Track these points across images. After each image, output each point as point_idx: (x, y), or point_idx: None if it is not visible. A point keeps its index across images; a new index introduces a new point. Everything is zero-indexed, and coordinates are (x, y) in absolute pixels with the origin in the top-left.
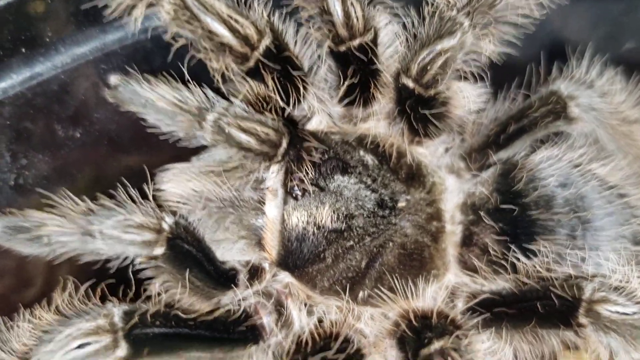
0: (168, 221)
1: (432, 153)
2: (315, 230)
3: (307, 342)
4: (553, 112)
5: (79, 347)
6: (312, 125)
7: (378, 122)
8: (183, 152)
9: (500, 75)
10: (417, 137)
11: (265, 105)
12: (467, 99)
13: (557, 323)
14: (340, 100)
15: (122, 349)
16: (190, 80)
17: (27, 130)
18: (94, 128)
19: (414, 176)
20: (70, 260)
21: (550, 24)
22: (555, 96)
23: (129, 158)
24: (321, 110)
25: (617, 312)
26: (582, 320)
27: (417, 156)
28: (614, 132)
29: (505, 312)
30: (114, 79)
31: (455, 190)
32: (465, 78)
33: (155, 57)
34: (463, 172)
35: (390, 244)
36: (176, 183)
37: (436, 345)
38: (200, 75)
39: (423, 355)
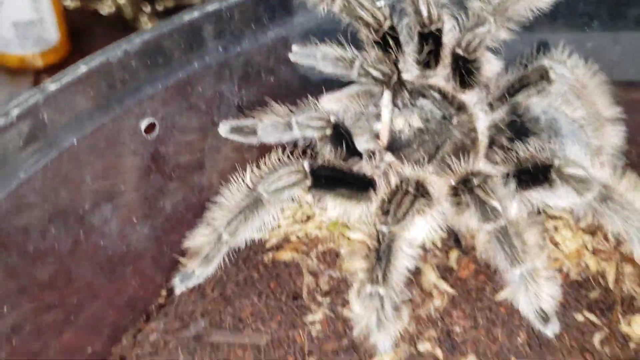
0: (333, 117)
1: (470, 99)
2: (409, 128)
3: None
4: (540, 77)
5: (285, 179)
6: (405, 76)
7: (439, 78)
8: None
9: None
10: (462, 88)
11: (384, 59)
12: (491, 65)
13: (540, 180)
14: (419, 63)
15: (309, 180)
16: (347, 43)
17: (247, 73)
18: (280, 76)
19: (461, 108)
20: None
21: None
22: (541, 67)
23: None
24: (407, 69)
25: (572, 171)
26: (553, 176)
27: (462, 98)
28: (577, 92)
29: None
30: (295, 47)
31: (484, 119)
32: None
33: (317, 35)
34: (488, 112)
35: (448, 140)
36: (330, 102)
37: (475, 181)
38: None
39: (468, 187)
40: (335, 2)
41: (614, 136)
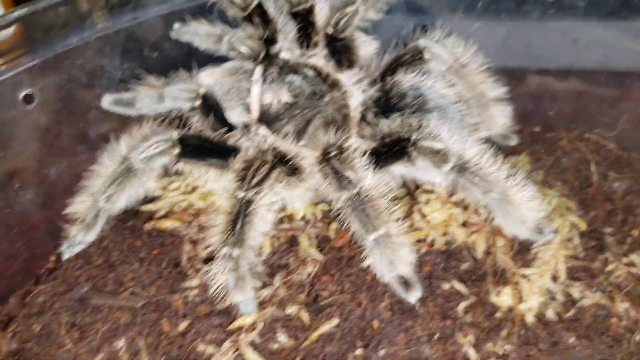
0: (202, 89)
1: (349, 78)
2: (277, 102)
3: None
4: (415, 56)
5: (155, 148)
6: (282, 55)
7: (319, 57)
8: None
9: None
10: (339, 68)
11: (255, 35)
12: (366, 46)
13: (398, 155)
14: (298, 44)
15: (177, 149)
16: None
17: (129, 49)
18: (163, 52)
19: (335, 85)
20: None
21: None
22: (416, 46)
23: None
24: (286, 48)
25: (428, 145)
26: (410, 149)
27: (339, 77)
28: (457, 73)
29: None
30: (176, 25)
31: (359, 97)
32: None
33: (200, 14)
34: (366, 90)
35: (319, 115)
36: (207, 76)
37: (332, 152)
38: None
39: (326, 158)
40: None
41: (500, 115)
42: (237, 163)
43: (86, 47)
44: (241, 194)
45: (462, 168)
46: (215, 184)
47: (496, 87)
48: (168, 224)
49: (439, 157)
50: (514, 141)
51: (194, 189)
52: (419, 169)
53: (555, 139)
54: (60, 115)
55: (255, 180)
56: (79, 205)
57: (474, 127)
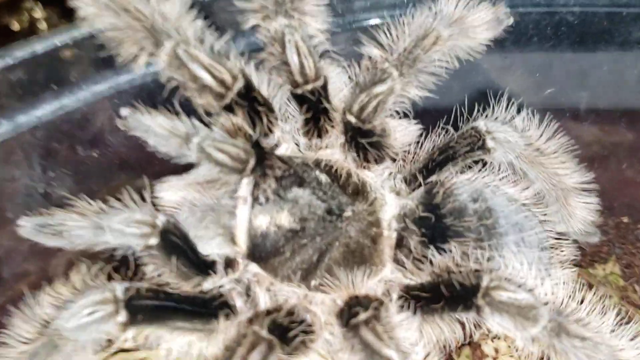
0: (161, 219)
1: (378, 176)
2: (276, 230)
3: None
4: (471, 144)
5: (89, 314)
6: (280, 151)
7: (334, 150)
8: (178, 169)
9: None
10: (364, 162)
11: (239, 133)
12: (401, 133)
13: (460, 305)
14: (303, 132)
15: (122, 316)
16: (181, 112)
17: (54, 150)
18: (107, 149)
19: (359, 192)
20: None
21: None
22: (475, 131)
23: (134, 172)
24: (289, 140)
25: (508, 297)
26: (480, 302)
27: (363, 177)
28: (530, 162)
29: (422, 296)
30: (124, 111)
31: (394, 204)
32: (406, 116)
33: (156, 95)
34: (403, 192)
35: (337, 243)
36: (170, 192)
37: (362, 315)
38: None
39: (352, 324)
40: (159, 55)
41: (584, 209)
42: (216, 340)
43: None
44: None
45: (558, 329)
46: (185, 352)
47: (578, 174)
48: None
49: (524, 315)
50: (596, 238)
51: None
52: (492, 323)
53: None
54: None
55: None
56: None
57: (560, 241)
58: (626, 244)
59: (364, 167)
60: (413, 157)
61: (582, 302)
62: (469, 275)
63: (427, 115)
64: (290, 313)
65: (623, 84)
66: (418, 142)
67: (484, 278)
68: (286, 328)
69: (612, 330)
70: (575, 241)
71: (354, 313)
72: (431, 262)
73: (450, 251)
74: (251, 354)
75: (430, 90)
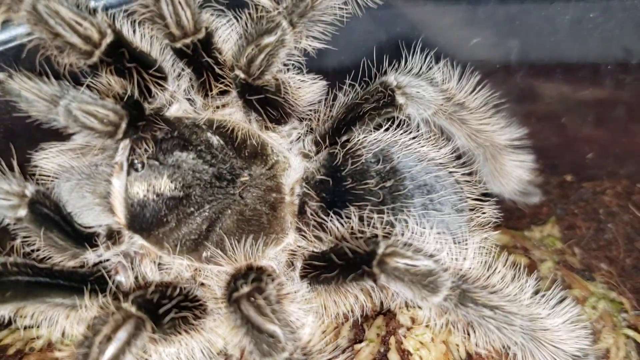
0: (30, 189)
1: (283, 137)
2: (155, 198)
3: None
4: (379, 101)
5: None
6: (171, 112)
7: (233, 109)
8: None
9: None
10: (267, 123)
11: (110, 93)
12: (305, 90)
13: (355, 274)
14: (198, 91)
15: None
16: (46, 73)
17: None
18: None
19: (257, 154)
20: None
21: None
22: (384, 86)
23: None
24: (180, 99)
25: (404, 263)
26: (375, 270)
27: (264, 139)
28: (450, 118)
29: (319, 265)
30: (1, 75)
31: (299, 168)
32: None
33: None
34: (312, 154)
35: (229, 211)
36: (47, 160)
37: (244, 289)
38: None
39: (234, 298)
40: (19, 13)
41: (518, 168)
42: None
43: None
44: None
45: (462, 296)
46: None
47: (509, 130)
48: None
49: (424, 283)
50: (536, 198)
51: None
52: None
53: (595, 192)
54: None
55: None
56: None
57: (480, 202)
58: (568, 204)
59: (267, 129)
60: (323, 117)
61: (498, 268)
62: (364, 243)
63: (337, 72)
64: (167, 287)
65: (555, 33)
66: (326, 100)
67: (380, 245)
68: (158, 304)
69: (532, 297)
70: (512, 203)
71: (236, 287)
72: (330, 230)
73: (349, 217)
74: (117, 332)
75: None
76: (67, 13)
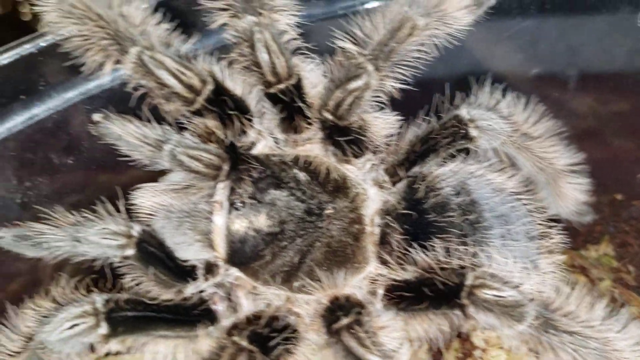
0: (136, 229)
1: (359, 169)
2: (254, 234)
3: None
4: (454, 134)
5: (70, 327)
6: (258, 149)
7: (313, 145)
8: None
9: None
10: (345, 156)
11: (212, 137)
12: (381, 126)
13: (444, 304)
14: (282, 129)
15: (103, 328)
16: (151, 119)
17: (29, 160)
18: (82, 156)
19: (340, 188)
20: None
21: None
22: (457, 119)
23: (112, 176)
24: (265, 136)
25: (493, 295)
26: (464, 301)
27: (344, 172)
28: (517, 147)
29: (406, 296)
30: (96, 117)
31: (376, 199)
32: (384, 106)
33: (129, 98)
34: (386, 184)
35: (318, 243)
36: (145, 199)
37: (343, 320)
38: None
39: (334, 329)
40: (125, 62)
41: (574, 190)
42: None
43: None
44: None
45: (544, 324)
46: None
47: (568, 155)
48: None
49: (510, 312)
50: (589, 217)
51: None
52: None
53: None
54: None
55: None
56: None
57: (548, 230)
58: (620, 222)
59: (345, 162)
60: (395, 148)
61: (571, 292)
62: (453, 274)
63: (407, 105)
64: (273, 319)
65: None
66: (399, 133)
67: (467, 276)
68: (267, 337)
69: (603, 320)
70: (567, 222)
71: (336, 318)
72: (415, 260)
73: (434, 248)
74: None
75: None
76: (171, 63)
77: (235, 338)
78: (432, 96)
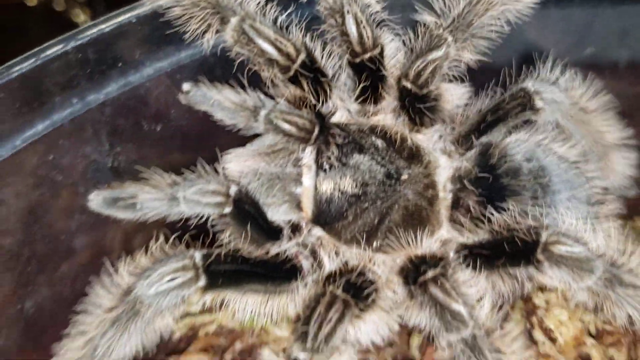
0: (233, 188)
1: (429, 139)
2: (339, 195)
3: (333, 274)
4: (521, 105)
5: (170, 280)
6: (335, 118)
7: (385, 115)
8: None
9: (484, 77)
10: (416, 126)
11: (302, 103)
12: (453, 96)
13: (521, 260)
14: (357, 99)
15: (202, 281)
16: (247, 86)
17: (121, 125)
18: (170, 124)
19: (414, 156)
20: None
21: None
22: (524, 92)
23: (195, 145)
24: (342, 107)
25: (566, 251)
26: (540, 257)
27: (416, 141)
28: (574, 120)
29: (483, 254)
30: (186, 86)
31: (447, 166)
32: (454, 79)
33: (216, 68)
34: (453, 153)
35: (396, 206)
36: (236, 162)
37: (429, 273)
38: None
39: (420, 282)
40: (226, 31)
41: (623, 164)
42: (293, 299)
43: (58, 134)
44: (302, 356)
45: (612, 279)
46: (256, 310)
47: (618, 130)
48: (193, 358)
49: (581, 267)
50: (632, 191)
51: (222, 304)
52: (549, 277)
53: None
54: (30, 232)
55: (322, 336)
56: (69, 355)
57: (605, 195)
58: None
59: (416, 131)
60: (462, 119)
61: (632, 252)
62: (529, 232)
63: (474, 77)
64: (361, 273)
65: None
66: (466, 104)
67: (542, 234)
68: (359, 287)
69: None
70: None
71: (422, 271)
72: (490, 221)
73: (509, 209)
74: (329, 311)
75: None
76: (269, 32)
77: (331, 287)
78: (499, 71)
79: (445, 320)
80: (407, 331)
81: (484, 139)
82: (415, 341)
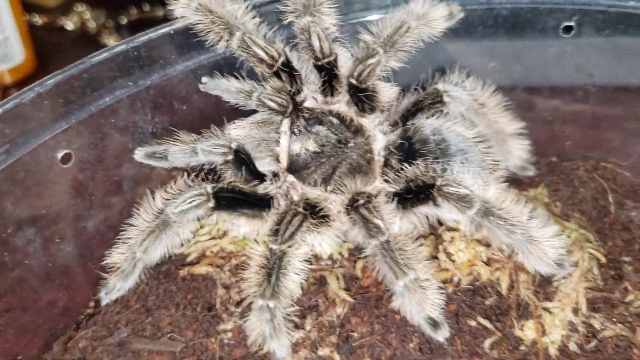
0: (234, 144)
1: (371, 122)
2: (305, 152)
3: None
4: (434, 100)
5: (189, 202)
6: (306, 104)
7: (341, 105)
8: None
9: (410, 80)
10: (362, 112)
11: (282, 90)
12: (386, 92)
13: (423, 198)
14: (321, 92)
15: (211, 203)
16: (246, 77)
17: (159, 103)
18: (192, 105)
19: (358, 131)
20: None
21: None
22: (436, 90)
23: (209, 120)
24: (310, 96)
25: (453, 190)
26: (435, 194)
27: (361, 122)
28: (477, 113)
29: (399, 194)
30: (204, 78)
31: (381, 140)
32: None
33: (225, 67)
34: (387, 132)
35: (344, 162)
36: (237, 129)
37: (361, 201)
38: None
39: (354, 206)
40: (232, 41)
41: (519, 149)
42: (271, 216)
43: (119, 106)
44: (275, 247)
45: (486, 212)
46: (246, 230)
47: (514, 122)
48: (201, 269)
49: (463, 202)
50: (531, 172)
51: (224, 234)
52: (444, 211)
53: (572, 168)
54: (95, 172)
55: (288, 233)
56: (117, 257)
57: (495, 165)
58: (553, 176)
59: (362, 116)
60: (394, 110)
61: (508, 199)
62: (429, 178)
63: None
64: (318, 204)
65: (545, 63)
66: (398, 99)
67: (437, 180)
68: (316, 210)
69: (529, 218)
70: (514, 175)
71: (356, 200)
72: (405, 172)
73: (418, 164)
74: (293, 219)
75: (405, 63)
76: (261, 42)
77: (294, 206)
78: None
79: (369, 230)
80: (353, 259)
81: (408, 123)
82: (360, 265)
